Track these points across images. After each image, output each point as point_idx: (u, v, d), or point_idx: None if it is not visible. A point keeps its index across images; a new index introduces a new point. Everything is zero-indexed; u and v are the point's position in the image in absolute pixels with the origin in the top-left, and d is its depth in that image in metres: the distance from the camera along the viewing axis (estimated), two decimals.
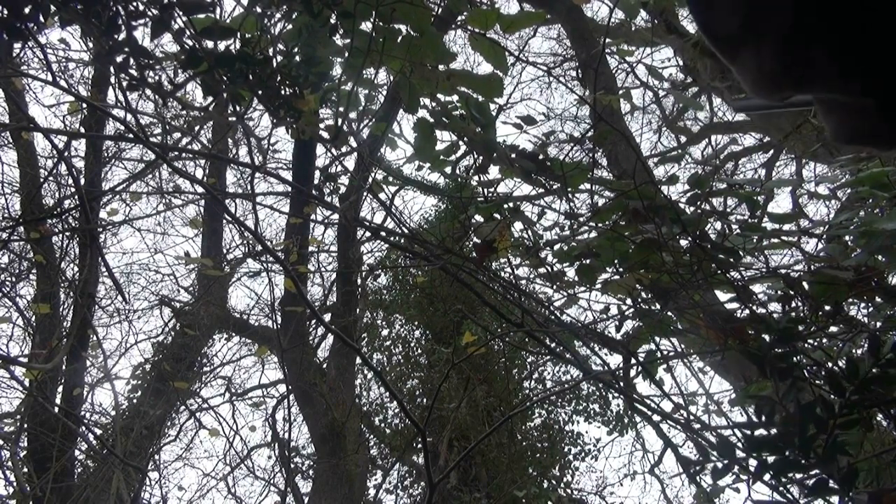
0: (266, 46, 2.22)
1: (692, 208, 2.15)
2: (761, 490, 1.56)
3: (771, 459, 1.45)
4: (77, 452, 5.74)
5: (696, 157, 9.10)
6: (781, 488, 1.52)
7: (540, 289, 5.36)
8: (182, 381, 6.38)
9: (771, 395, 1.58)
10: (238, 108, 2.33)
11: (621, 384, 2.26)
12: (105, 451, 5.12)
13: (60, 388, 5.47)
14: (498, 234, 2.37)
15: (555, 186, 2.74)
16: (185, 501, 7.50)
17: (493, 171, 2.76)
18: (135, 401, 6.75)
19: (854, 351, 1.95)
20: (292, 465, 7.79)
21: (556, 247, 2.41)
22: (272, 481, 8.01)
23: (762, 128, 7.33)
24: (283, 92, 2.23)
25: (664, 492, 6.66)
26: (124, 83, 2.11)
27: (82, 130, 5.62)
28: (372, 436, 7.96)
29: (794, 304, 1.89)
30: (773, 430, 1.47)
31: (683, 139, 9.19)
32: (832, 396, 1.46)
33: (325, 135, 2.79)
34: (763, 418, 1.47)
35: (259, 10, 2.21)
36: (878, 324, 1.88)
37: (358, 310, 8.11)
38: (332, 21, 2.27)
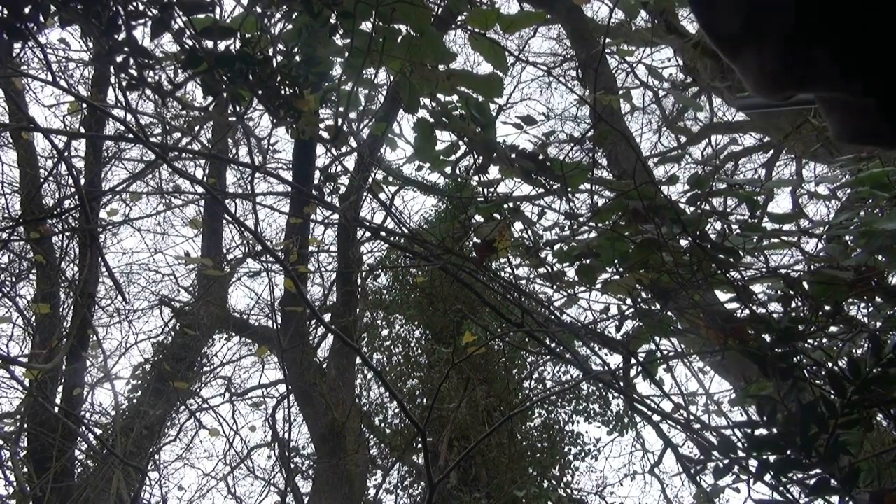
0: (266, 46, 2.22)
1: (692, 208, 2.15)
2: (761, 490, 1.56)
3: (772, 459, 1.45)
4: (77, 452, 5.74)
5: (696, 157, 9.11)
6: (781, 488, 1.52)
7: (540, 289, 5.37)
8: (182, 381, 6.38)
9: (772, 395, 1.58)
10: (238, 108, 2.32)
11: (621, 384, 2.26)
12: (105, 451, 5.12)
13: (60, 388, 5.47)
14: (498, 234, 2.37)
15: (555, 186, 2.74)
16: (185, 501, 7.50)
17: (493, 171, 2.76)
18: (135, 401, 6.74)
19: (854, 351, 1.95)
20: (292, 465, 7.79)
21: (556, 247, 2.41)
22: (272, 481, 8.02)
23: (762, 128, 7.33)
24: (283, 92, 2.23)
25: (664, 492, 6.66)
26: (124, 83, 2.11)
27: (82, 130, 5.62)
28: (372, 436, 7.96)
29: (794, 304, 1.89)
30: (774, 430, 1.47)
31: (683, 139, 9.19)
32: (832, 396, 1.46)
33: (325, 135, 2.79)
34: (765, 418, 1.47)
35: (259, 10, 2.21)
36: (878, 324, 1.88)
37: (358, 310, 8.11)
38: (332, 21, 2.27)
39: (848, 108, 0.51)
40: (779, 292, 1.91)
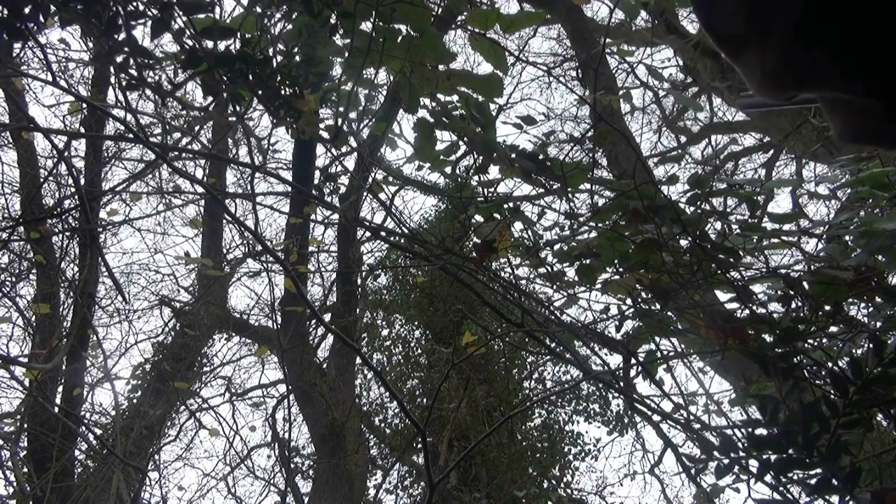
0: (266, 46, 2.22)
1: (692, 208, 2.15)
2: (761, 490, 1.56)
3: (773, 458, 1.45)
4: (77, 452, 5.74)
5: (696, 157, 9.10)
6: (781, 488, 1.52)
7: (540, 289, 5.37)
8: (182, 381, 6.38)
9: (773, 395, 1.58)
10: (238, 108, 2.32)
11: (621, 384, 2.26)
12: (105, 451, 5.12)
13: (60, 388, 5.47)
14: (498, 234, 2.37)
15: (555, 186, 2.74)
16: (185, 501, 7.51)
17: (493, 171, 2.76)
18: (135, 401, 6.74)
19: (854, 351, 1.95)
20: (292, 465, 7.79)
21: (556, 247, 2.41)
22: (272, 481, 8.02)
23: (762, 128, 7.33)
24: (283, 92, 2.22)
25: (664, 492, 6.66)
26: (124, 83, 2.11)
27: (82, 130, 5.62)
28: (372, 436, 7.96)
29: (794, 304, 1.89)
30: (774, 430, 1.47)
31: (683, 139, 9.19)
32: (832, 396, 1.46)
33: (325, 135, 2.79)
34: (767, 417, 1.47)
35: (259, 10, 2.21)
36: (878, 324, 1.88)
37: (358, 310, 8.11)
38: (332, 21, 2.27)
39: (850, 109, 0.51)
40: (779, 292, 1.91)
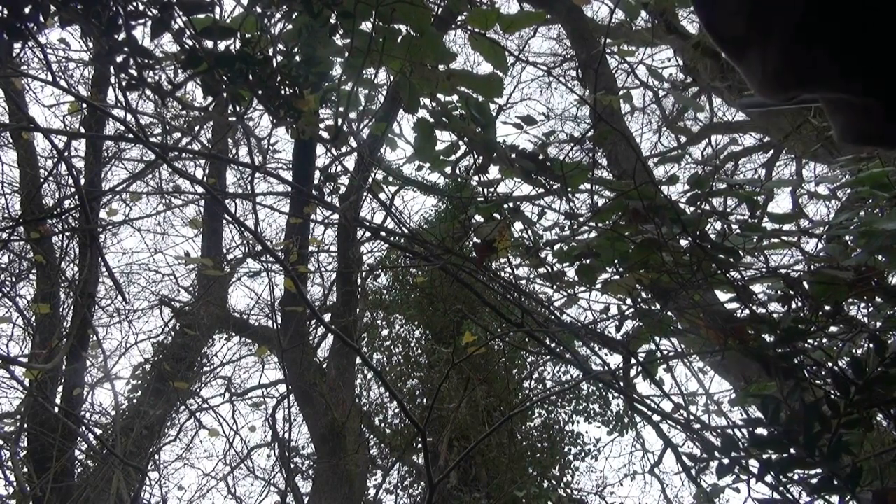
0: (266, 46, 2.22)
1: (692, 208, 2.15)
2: (762, 490, 1.56)
3: (774, 458, 1.45)
4: (77, 452, 5.74)
5: (696, 157, 9.10)
6: (782, 488, 1.52)
7: (540, 289, 5.37)
8: (182, 381, 6.38)
9: (774, 395, 1.58)
10: (238, 108, 2.32)
11: (621, 384, 2.26)
12: (105, 451, 5.12)
13: (60, 388, 5.47)
14: (498, 234, 2.37)
15: (555, 186, 2.74)
16: (185, 501, 7.51)
17: (493, 171, 2.76)
18: (135, 401, 6.74)
19: (854, 351, 1.95)
20: (292, 465, 7.79)
21: (556, 247, 2.41)
22: (272, 481, 8.02)
23: (762, 128, 7.33)
24: (283, 92, 2.22)
25: (664, 492, 6.66)
26: (124, 83, 2.11)
27: (82, 130, 5.62)
28: (372, 436, 7.96)
29: (794, 304, 1.89)
30: (775, 430, 1.47)
31: (683, 139, 9.19)
32: (833, 395, 1.46)
33: (325, 135, 2.78)
34: (768, 417, 1.47)
35: (259, 10, 2.21)
36: (879, 324, 1.88)
37: (358, 310, 8.11)
38: (332, 21, 2.27)
39: (852, 109, 0.51)
40: (779, 292, 1.91)
